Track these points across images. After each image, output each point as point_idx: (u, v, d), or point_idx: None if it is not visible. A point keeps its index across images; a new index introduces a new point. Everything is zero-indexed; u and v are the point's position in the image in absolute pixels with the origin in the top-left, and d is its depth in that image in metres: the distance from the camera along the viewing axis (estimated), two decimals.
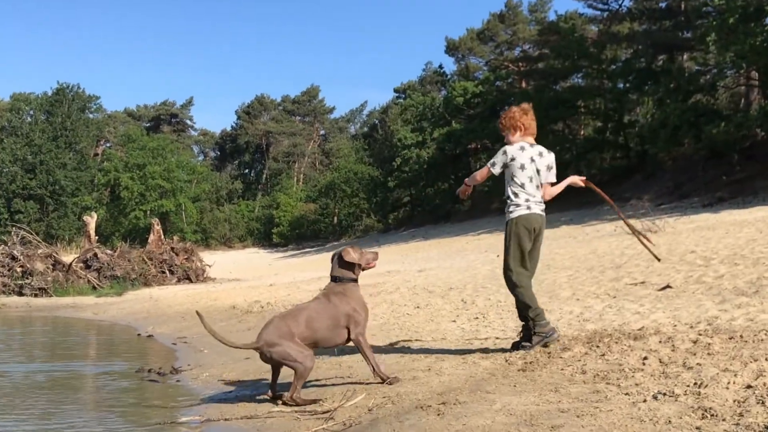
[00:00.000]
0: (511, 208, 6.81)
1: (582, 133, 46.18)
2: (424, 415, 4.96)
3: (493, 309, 10.25)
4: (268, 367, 6.31)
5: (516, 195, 6.79)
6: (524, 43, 54.52)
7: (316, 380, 6.80)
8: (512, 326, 8.67)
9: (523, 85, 49.37)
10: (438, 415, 4.93)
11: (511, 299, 10.17)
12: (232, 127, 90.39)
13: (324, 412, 5.53)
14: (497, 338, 8.03)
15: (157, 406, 6.72)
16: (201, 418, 5.93)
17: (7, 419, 6.37)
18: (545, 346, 6.78)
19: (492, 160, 6.89)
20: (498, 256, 18.21)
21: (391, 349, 8.25)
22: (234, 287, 21.88)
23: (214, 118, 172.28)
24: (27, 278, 23.47)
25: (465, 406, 5.09)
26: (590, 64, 40.35)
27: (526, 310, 6.83)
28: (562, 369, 6.02)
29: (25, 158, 66.05)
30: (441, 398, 5.38)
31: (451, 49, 59.36)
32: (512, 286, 6.85)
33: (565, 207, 34.49)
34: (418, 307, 11.50)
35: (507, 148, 6.83)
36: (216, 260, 32.94)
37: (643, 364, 5.84)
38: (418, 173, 50.46)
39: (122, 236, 56.83)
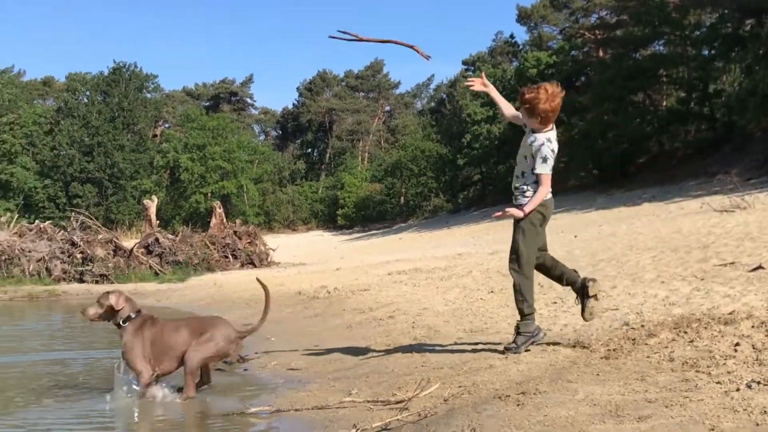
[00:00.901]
0: (527, 193, 6.72)
1: (664, 104, 45.36)
2: (503, 406, 4.99)
3: (571, 293, 10.11)
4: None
5: (535, 183, 6.70)
6: (601, 9, 53.62)
7: (391, 370, 6.87)
8: None
9: (600, 54, 48.65)
10: (517, 405, 4.95)
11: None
12: (293, 104, 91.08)
13: (398, 402, 5.59)
14: (577, 324, 7.99)
15: (225, 395, 6.86)
16: (271, 409, 6.04)
17: (82, 404, 6.58)
18: (531, 345, 6.75)
19: (551, 162, 6.64)
20: (576, 236, 18.08)
21: (465, 335, 8.29)
22: (299, 272, 22.11)
23: (275, 95, 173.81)
24: (87, 264, 24.01)
25: (546, 396, 5.10)
26: (672, 30, 39.57)
27: (523, 303, 6.74)
28: (648, 356, 5.98)
29: (82, 140, 67.45)
30: (520, 388, 5.40)
31: (523, 17, 58.79)
32: (523, 276, 6.73)
33: (646, 184, 34.06)
34: (492, 291, 11.49)
35: (553, 138, 6.67)
36: (279, 244, 33.30)
37: (735, 350, 5.76)
38: (489, 150, 50.24)
39: (183, 220, 57.90)
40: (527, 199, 6.69)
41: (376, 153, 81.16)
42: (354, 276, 17.55)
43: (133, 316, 6.73)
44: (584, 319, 7.02)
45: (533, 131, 6.66)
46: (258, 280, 7.85)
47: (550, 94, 6.49)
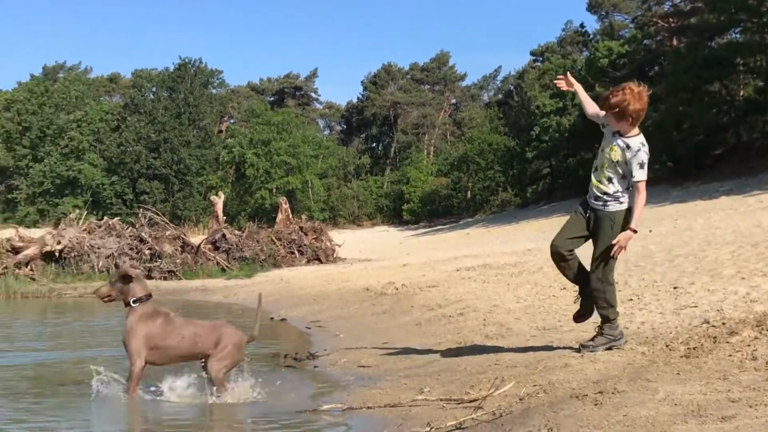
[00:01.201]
0: (621, 200, 6.60)
1: (741, 93, 44.40)
2: (580, 405, 4.96)
3: (648, 290, 10.06)
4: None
5: (627, 189, 6.60)
6: None
7: (463, 369, 6.87)
8: (670, 308, 8.51)
9: (674, 43, 47.82)
10: (595, 405, 4.91)
11: (672, 277, 9.98)
12: (358, 98, 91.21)
13: (471, 401, 5.59)
14: (655, 322, 7.89)
15: (296, 393, 6.93)
16: (343, 406, 6.09)
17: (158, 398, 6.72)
18: (609, 349, 6.63)
19: (645, 167, 6.52)
20: (651, 231, 17.82)
21: (538, 333, 8.24)
22: (365, 268, 22.21)
23: (339, 89, 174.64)
24: (156, 261, 24.45)
25: (624, 395, 5.05)
26: (749, 18, 38.65)
27: (608, 309, 6.67)
28: (730, 355, 5.89)
29: (148, 136, 68.55)
30: (597, 387, 5.35)
31: (594, 6, 58.07)
32: (608, 282, 6.67)
33: (723, 176, 33.40)
34: (564, 288, 11.38)
35: (645, 142, 6.55)
36: (345, 239, 33.42)
37: None
38: (559, 142, 49.72)
39: (248, 216, 58.47)
40: (621, 206, 6.58)
41: (442, 147, 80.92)
42: (421, 272, 17.57)
43: (144, 299, 6.79)
44: (575, 320, 7.13)
45: (620, 134, 6.54)
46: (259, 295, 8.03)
47: (637, 93, 6.38)
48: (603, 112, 6.71)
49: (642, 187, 6.48)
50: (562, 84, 7.17)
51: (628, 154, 6.48)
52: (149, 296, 6.84)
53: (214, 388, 6.64)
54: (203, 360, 6.80)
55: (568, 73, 7.35)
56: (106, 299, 6.94)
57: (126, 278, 6.82)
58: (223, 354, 6.70)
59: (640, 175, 6.46)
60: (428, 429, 5.07)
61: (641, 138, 6.54)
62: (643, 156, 6.47)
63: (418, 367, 7.38)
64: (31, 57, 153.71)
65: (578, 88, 7.12)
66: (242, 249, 25.83)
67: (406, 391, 6.31)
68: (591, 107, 7.03)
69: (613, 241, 6.48)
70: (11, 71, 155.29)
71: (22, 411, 6.54)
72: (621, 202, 6.60)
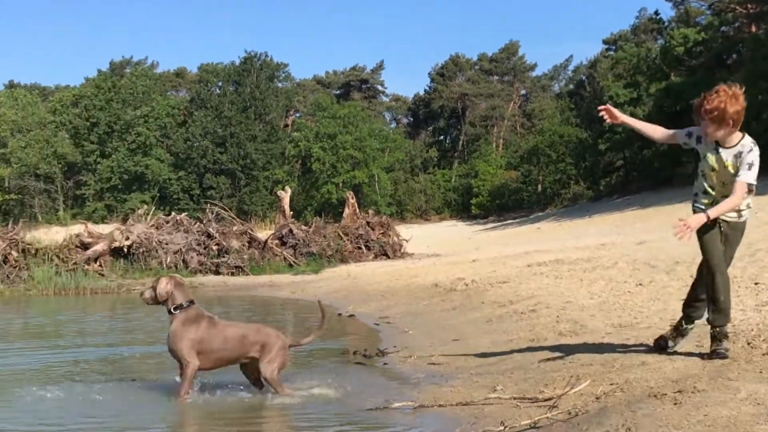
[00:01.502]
0: (746, 210, 6.35)
1: None
2: (659, 405, 4.91)
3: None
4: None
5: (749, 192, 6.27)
6: None
7: (536, 366, 6.85)
8: (751, 304, 8.37)
9: (753, 29, 46.81)
10: (674, 404, 4.86)
11: (752, 272, 9.80)
12: (425, 90, 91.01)
13: (546, 400, 5.57)
14: (735, 319, 7.76)
15: (366, 390, 6.96)
16: (414, 404, 6.11)
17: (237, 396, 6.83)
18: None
19: (755, 170, 6.15)
20: None
21: (614, 330, 8.17)
22: (433, 263, 22.20)
23: (406, 82, 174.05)
24: (223, 256, 24.78)
25: (704, 394, 4.99)
26: None
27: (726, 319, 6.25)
28: None
29: (215, 131, 69.38)
30: (676, 386, 5.29)
31: None
32: (728, 291, 6.28)
33: None
34: (640, 284, 11.27)
35: (754, 142, 6.22)
36: (412, 234, 33.50)
37: None
38: (633, 133, 49.12)
39: (315, 210, 58.87)
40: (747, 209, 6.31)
41: (512, 139, 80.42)
42: (491, 267, 17.50)
43: (185, 305, 6.91)
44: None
45: (721, 144, 6.21)
46: (318, 303, 8.00)
47: (733, 94, 6.11)
48: (673, 132, 6.51)
49: (742, 187, 6.08)
50: (605, 116, 6.76)
51: (738, 160, 6.14)
52: (191, 302, 6.97)
53: (272, 389, 6.77)
54: (244, 364, 6.96)
55: (609, 104, 7.02)
56: (149, 303, 7.07)
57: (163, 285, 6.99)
58: (271, 356, 6.78)
59: (747, 176, 6.08)
60: (502, 428, 5.07)
61: (749, 138, 6.21)
62: (753, 156, 6.12)
63: (489, 364, 7.37)
64: (99, 53, 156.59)
65: (627, 119, 6.76)
66: (309, 244, 26.03)
67: (478, 389, 6.32)
68: (656, 131, 6.71)
69: (680, 219, 6.07)
70: (79, 67, 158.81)
71: (97, 404, 6.70)
72: (746, 213, 6.34)
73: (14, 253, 23.16)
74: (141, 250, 24.25)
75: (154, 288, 7.00)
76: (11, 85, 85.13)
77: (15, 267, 22.86)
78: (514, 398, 5.77)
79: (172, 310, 6.89)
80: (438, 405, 6.00)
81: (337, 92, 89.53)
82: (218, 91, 73.69)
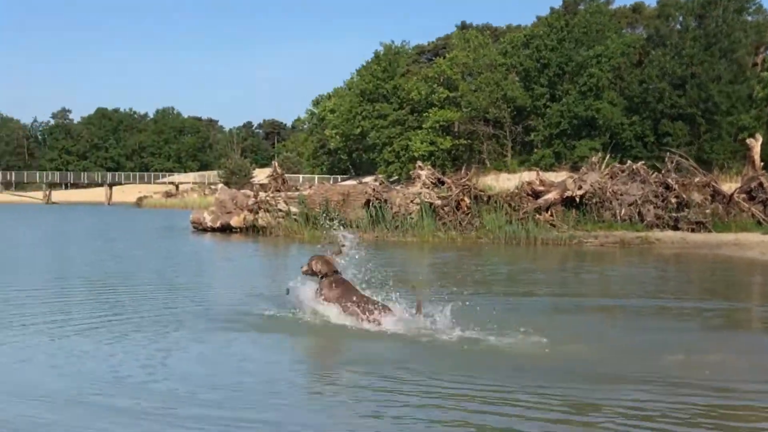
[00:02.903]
0: None
1: None
2: None
3: None
4: None
5: None
6: None
7: None
8: None
9: None
10: None
11: None
12: None
13: None
14: None
15: None
16: None
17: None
18: None
19: None
20: None
21: None
22: None
23: None
24: (682, 210, 24.25)
25: None
26: None
27: None
28: None
29: (673, 71, 67.82)
30: None
31: None
32: None
33: None
34: None
35: None
36: None
37: None
38: None
39: None
40: None
41: None
42: None
43: (330, 275, 9.32)
44: None
45: None
46: None
47: None
48: None
49: None
50: None
51: None
52: (335, 272, 9.39)
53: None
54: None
55: None
56: (305, 273, 9.51)
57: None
58: None
59: None
60: None
61: None
62: None
63: None
64: None
65: None
66: None
67: None
68: None
69: None
70: (531, 6, 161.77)
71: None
72: None
73: (467, 200, 24.55)
74: (594, 200, 24.51)
75: (308, 264, 9.47)
76: (463, 26, 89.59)
77: (467, 214, 24.25)
78: None
79: (320, 278, 9.35)
80: None
81: None
82: (679, 26, 71.78)
